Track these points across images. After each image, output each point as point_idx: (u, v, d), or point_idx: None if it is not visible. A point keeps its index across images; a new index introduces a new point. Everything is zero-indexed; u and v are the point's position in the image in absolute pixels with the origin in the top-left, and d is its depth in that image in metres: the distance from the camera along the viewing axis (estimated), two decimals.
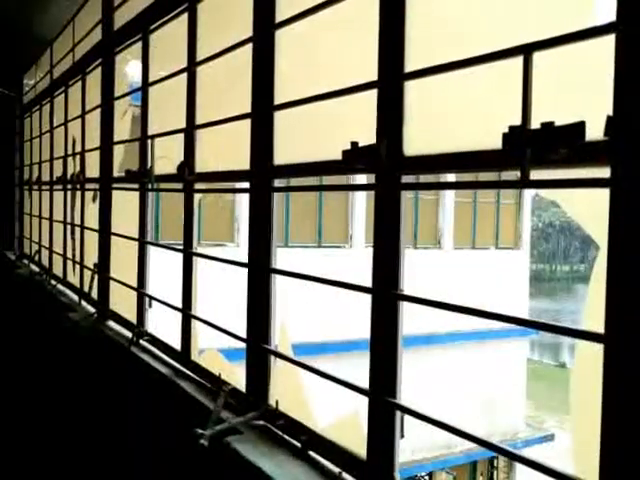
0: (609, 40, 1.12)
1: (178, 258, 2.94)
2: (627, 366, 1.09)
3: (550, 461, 1.23)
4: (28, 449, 4.72)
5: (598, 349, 1.15)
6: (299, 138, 2.21)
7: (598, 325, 1.15)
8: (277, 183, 2.26)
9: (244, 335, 2.34)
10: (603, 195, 1.12)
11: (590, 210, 1.28)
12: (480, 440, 1.46)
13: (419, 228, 12.02)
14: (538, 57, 1.25)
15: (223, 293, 6.60)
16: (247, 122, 2.32)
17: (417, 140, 1.61)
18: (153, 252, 3.46)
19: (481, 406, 12.17)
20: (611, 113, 1.10)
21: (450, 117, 1.61)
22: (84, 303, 4.71)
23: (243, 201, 9.08)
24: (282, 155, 2.19)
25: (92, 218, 4.48)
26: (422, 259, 11.40)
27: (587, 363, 1.29)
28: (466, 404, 11.78)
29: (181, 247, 2.91)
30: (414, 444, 11.08)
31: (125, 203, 3.84)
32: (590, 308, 1.28)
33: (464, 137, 1.51)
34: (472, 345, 11.89)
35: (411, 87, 1.61)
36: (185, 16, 2.88)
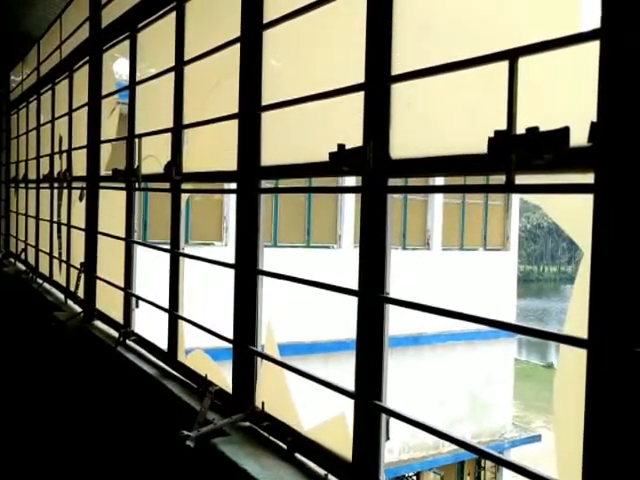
0: (594, 46, 1.13)
1: (167, 258, 2.92)
2: (610, 371, 1.10)
3: (536, 463, 1.24)
4: (12, 449, 4.68)
5: (581, 352, 1.15)
6: (287, 139, 2.20)
7: (581, 329, 1.15)
8: (264, 184, 2.26)
9: (231, 336, 2.33)
10: (585, 200, 1.12)
11: (572, 214, 1.28)
12: (463, 443, 1.46)
13: (408, 229, 12.04)
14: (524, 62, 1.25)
15: (213, 291, 6.58)
16: (236, 122, 2.31)
17: (404, 143, 1.61)
18: (144, 252, 3.44)
19: (468, 407, 12.22)
20: (595, 119, 1.11)
21: (437, 121, 1.61)
22: (70, 302, 4.68)
23: (231, 200, 9.05)
24: (269, 156, 2.18)
25: (79, 217, 4.44)
26: (411, 260, 11.43)
27: (571, 365, 1.29)
28: (454, 404, 11.82)
29: (168, 247, 2.90)
30: (402, 444, 11.12)
31: (113, 204, 3.82)
32: (573, 311, 1.29)
33: (451, 141, 1.51)
34: (460, 345, 11.93)
35: (398, 90, 1.61)
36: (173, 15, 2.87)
